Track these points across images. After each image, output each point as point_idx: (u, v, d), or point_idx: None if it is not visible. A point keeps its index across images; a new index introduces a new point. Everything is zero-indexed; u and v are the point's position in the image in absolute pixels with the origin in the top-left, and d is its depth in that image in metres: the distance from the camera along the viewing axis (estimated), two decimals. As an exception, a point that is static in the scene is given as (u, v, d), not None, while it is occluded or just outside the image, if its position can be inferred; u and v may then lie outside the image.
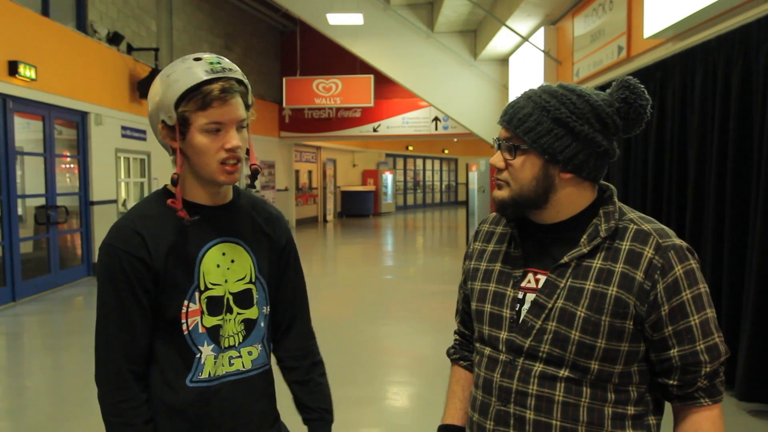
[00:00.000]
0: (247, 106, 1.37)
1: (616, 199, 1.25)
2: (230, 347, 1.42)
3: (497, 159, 1.26)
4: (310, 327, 1.63)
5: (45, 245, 8.49)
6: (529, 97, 1.23)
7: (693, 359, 1.17)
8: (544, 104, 1.20)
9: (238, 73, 1.34)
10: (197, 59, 1.32)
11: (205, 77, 1.29)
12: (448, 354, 1.53)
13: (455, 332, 1.54)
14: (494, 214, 1.42)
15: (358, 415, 4.18)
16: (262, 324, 1.48)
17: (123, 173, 10.39)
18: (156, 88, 1.33)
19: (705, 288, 1.19)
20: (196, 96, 1.28)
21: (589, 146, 1.19)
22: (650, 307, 1.16)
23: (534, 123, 1.19)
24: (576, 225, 1.23)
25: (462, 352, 1.50)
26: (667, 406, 1.27)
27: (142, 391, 1.36)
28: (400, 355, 5.70)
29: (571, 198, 1.23)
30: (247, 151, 1.41)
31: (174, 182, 1.34)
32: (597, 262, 1.19)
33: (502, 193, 1.25)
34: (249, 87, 1.39)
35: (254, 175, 1.41)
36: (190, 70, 1.29)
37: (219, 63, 1.32)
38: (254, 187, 1.45)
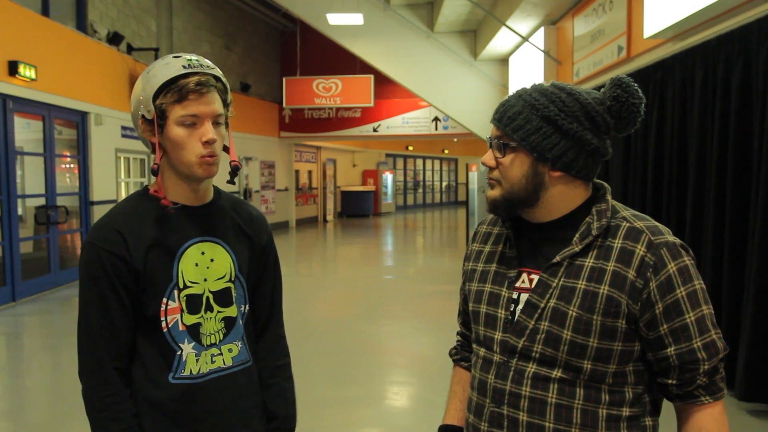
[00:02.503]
0: (226, 104, 1.41)
1: (609, 197, 1.25)
2: (212, 345, 1.44)
3: (488, 157, 1.26)
4: (282, 328, 1.65)
5: (45, 245, 8.49)
6: (520, 95, 1.24)
7: (690, 357, 1.16)
8: (533, 102, 1.20)
9: (216, 70, 1.39)
10: (176, 56, 1.37)
11: (182, 71, 1.34)
12: (450, 355, 1.54)
13: (457, 333, 1.55)
14: (492, 215, 1.43)
15: (358, 415, 4.18)
16: (241, 322, 1.50)
17: (123, 173, 10.39)
18: (138, 86, 1.39)
19: (700, 285, 1.18)
20: (173, 89, 1.33)
21: (578, 144, 1.19)
22: (644, 306, 1.15)
23: (523, 121, 1.20)
24: (569, 224, 1.23)
25: (463, 353, 1.51)
26: (667, 406, 1.27)
27: (125, 387, 1.38)
28: (400, 355, 5.70)
29: (562, 196, 1.23)
30: (227, 149, 1.45)
31: (155, 172, 1.38)
32: (589, 261, 1.19)
33: (494, 193, 1.26)
34: (227, 85, 1.43)
35: (234, 171, 1.44)
36: (168, 65, 1.35)
37: (197, 60, 1.37)
38: (233, 183, 1.47)
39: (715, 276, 4.32)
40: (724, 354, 1.19)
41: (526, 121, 1.19)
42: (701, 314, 1.17)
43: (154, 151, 1.41)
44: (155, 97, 1.34)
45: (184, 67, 1.34)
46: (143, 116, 1.37)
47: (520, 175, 1.21)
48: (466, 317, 1.49)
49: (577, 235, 1.20)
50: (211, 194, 1.49)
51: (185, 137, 1.35)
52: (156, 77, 1.34)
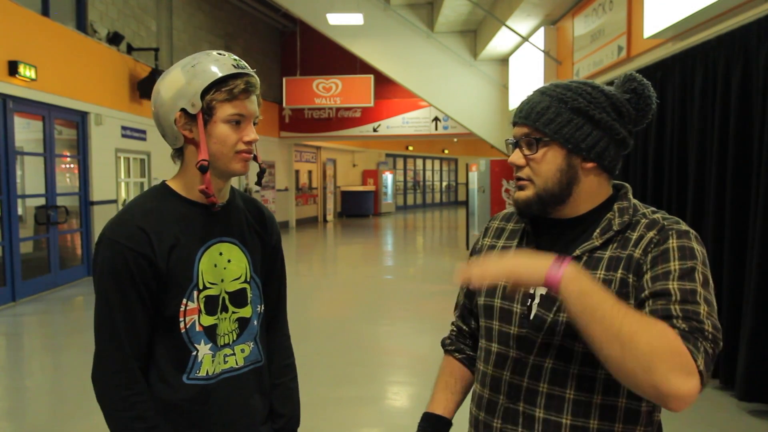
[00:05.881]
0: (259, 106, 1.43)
1: (630, 196, 1.25)
2: (225, 345, 1.44)
3: (516, 156, 1.24)
4: (287, 328, 1.67)
5: (45, 245, 8.48)
6: (542, 92, 1.24)
7: (664, 313, 1.05)
8: (561, 96, 1.21)
9: (255, 73, 1.41)
10: (221, 54, 1.37)
11: (234, 71, 1.34)
12: (443, 344, 1.51)
13: (452, 323, 1.52)
14: (505, 211, 1.42)
15: (358, 415, 4.18)
16: (255, 322, 1.50)
17: (123, 173, 10.39)
18: (176, 77, 1.35)
19: (704, 270, 1.11)
20: (224, 87, 1.33)
21: (608, 134, 1.21)
22: (639, 279, 1.13)
23: (553, 114, 1.20)
24: (591, 220, 1.23)
25: (458, 344, 1.48)
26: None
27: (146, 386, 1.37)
28: (400, 355, 5.70)
29: (592, 189, 1.23)
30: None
31: (204, 169, 1.35)
32: (608, 253, 1.18)
33: (527, 193, 1.23)
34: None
35: (262, 173, 1.47)
36: (218, 62, 1.35)
37: (241, 60, 1.39)
38: (261, 185, 1.48)
39: (715, 276, 4.30)
40: (712, 332, 1.04)
41: (557, 114, 1.20)
42: (693, 288, 1.07)
43: (180, 148, 1.39)
44: (204, 92, 1.33)
45: (234, 66, 1.35)
46: (184, 109, 1.34)
47: (554, 169, 1.21)
48: (464, 311, 1.47)
49: (597, 231, 1.20)
50: (228, 194, 1.48)
51: (230, 135, 1.36)
52: (206, 72, 1.33)
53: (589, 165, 1.21)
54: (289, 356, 1.64)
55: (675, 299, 1.06)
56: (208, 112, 1.34)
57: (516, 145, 1.25)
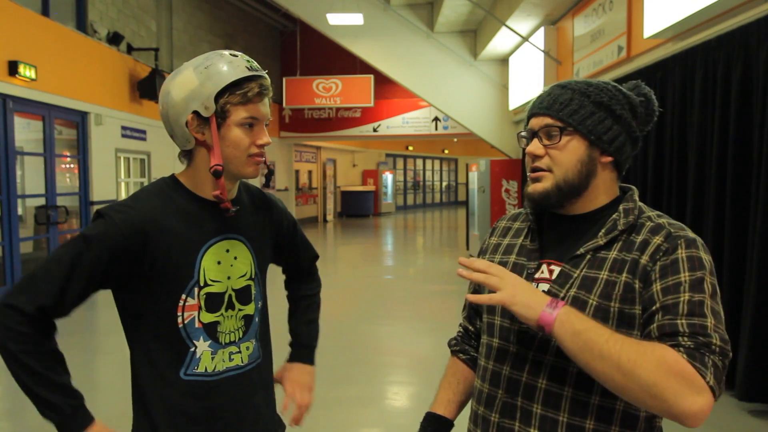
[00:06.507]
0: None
1: (636, 198, 1.26)
2: (231, 343, 1.43)
3: (535, 146, 1.24)
4: (317, 274, 1.86)
5: (45, 245, 8.48)
6: (563, 86, 1.25)
7: (671, 329, 1.07)
8: (583, 90, 1.22)
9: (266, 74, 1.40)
10: (234, 54, 1.36)
11: (248, 73, 1.33)
12: (450, 344, 1.52)
13: (460, 325, 1.54)
14: (513, 211, 1.43)
15: (358, 415, 4.18)
16: (257, 319, 1.50)
17: (123, 173, 10.38)
18: (188, 78, 1.33)
19: (711, 279, 1.12)
20: (238, 90, 1.32)
21: (626, 130, 1.23)
22: (646, 286, 1.13)
23: (577, 106, 1.21)
24: (597, 219, 1.24)
25: (463, 345, 1.49)
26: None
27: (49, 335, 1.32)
28: (400, 355, 5.70)
29: (606, 185, 1.25)
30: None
31: (218, 174, 1.34)
32: (613, 254, 1.18)
33: (544, 185, 1.23)
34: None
35: (270, 174, 1.46)
36: (232, 64, 1.34)
37: (254, 62, 1.39)
38: (269, 185, 1.48)
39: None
40: (720, 345, 1.05)
41: (580, 106, 1.21)
42: (701, 300, 1.09)
43: (189, 150, 1.38)
44: (218, 95, 1.31)
45: (248, 68, 1.34)
46: (196, 112, 1.32)
47: (575, 159, 1.21)
48: (471, 312, 1.49)
49: (602, 230, 1.21)
50: (235, 191, 1.48)
51: (243, 138, 1.35)
52: (220, 75, 1.31)
53: (607, 159, 1.23)
54: (313, 288, 1.81)
55: (682, 313, 1.08)
56: (221, 115, 1.33)
57: (533, 136, 1.25)
